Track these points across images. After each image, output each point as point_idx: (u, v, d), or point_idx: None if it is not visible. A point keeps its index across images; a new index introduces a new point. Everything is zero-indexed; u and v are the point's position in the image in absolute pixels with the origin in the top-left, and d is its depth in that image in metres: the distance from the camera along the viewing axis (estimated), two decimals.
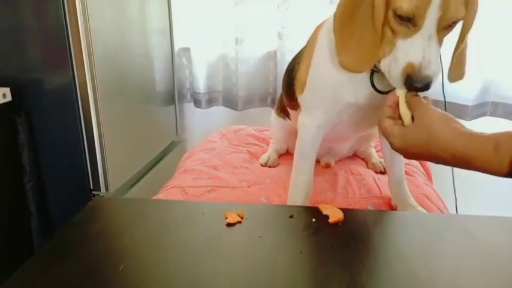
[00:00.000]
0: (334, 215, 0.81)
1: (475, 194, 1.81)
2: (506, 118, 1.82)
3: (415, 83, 0.72)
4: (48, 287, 0.60)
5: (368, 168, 1.36)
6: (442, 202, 1.13)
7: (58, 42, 1.25)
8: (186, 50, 2.30)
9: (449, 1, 0.68)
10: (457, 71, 0.83)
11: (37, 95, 1.31)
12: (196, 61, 2.28)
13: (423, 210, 1.04)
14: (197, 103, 2.33)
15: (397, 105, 0.77)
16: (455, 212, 1.16)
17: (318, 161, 1.35)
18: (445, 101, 0.93)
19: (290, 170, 1.11)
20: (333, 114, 0.98)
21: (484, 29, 1.58)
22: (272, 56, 2.24)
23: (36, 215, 1.35)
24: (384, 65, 0.78)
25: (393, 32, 0.74)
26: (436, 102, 0.77)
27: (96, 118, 1.36)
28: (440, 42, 0.73)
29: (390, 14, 0.73)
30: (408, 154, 0.73)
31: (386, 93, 0.84)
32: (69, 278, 0.62)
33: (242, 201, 1.11)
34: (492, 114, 1.87)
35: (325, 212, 0.83)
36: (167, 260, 0.67)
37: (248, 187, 1.23)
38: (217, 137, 1.72)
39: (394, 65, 0.75)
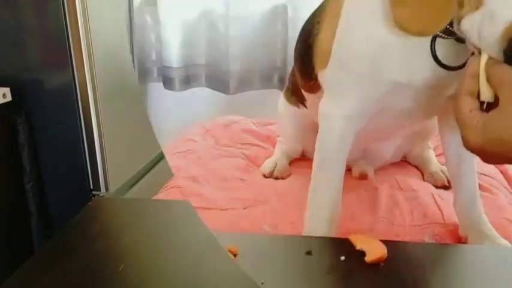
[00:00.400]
0: (373, 251, 0.71)
1: None
2: None
3: None
4: (48, 287, 0.66)
5: (424, 180, 1.21)
6: None
7: (58, 42, 1.39)
8: (152, 3, 1.98)
9: None
10: None
11: (37, 95, 1.45)
12: (166, 20, 1.93)
13: (506, 243, 0.90)
14: (168, 83, 2.03)
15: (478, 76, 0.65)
16: None
17: (349, 170, 1.21)
18: None
19: (307, 183, 0.99)
20: (373, 101, 0.87)
21: None
22: (280, 13, 1.90)
23: (36, 215, 1.50)
24: (469, 24, 0.63)
25: None
26: None
27: (96, 118, 1.47)
28: None
29: None
30: (489, 154, 0.61)
31: (456, 68, 0.73)
32: (69, 278, 0.68)
33: (235, 230, 1.01)
34: None
35: (359, 246, 0.73)
36: (167, 260, 0.71)
37: (244, 209, 1.11)
38: (198, 133, 1.58)
39: (488, 24, 0.60)
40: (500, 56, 0.60)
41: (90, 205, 0.93)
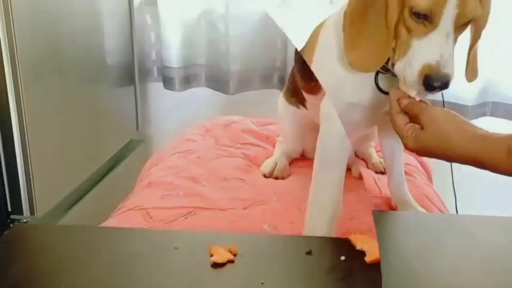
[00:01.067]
0: (374, 251, 0.72)
1: (475, 194, 2.03)
2: (506, 118, 2.04)
3: (435, 82, 0.81)
4: None
5: (368, 168, 1.44)
6: (442, 202, 1.30)
7: None
8: (152, 3, 1.96)
9: None
10: (473, 70, 0.95)
11: None
12: (166, 20, 1.91)
13: (423, 210, 1.19)
14: (168, 83, 2.01)
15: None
16: (455, 212, 1.33)
17: (348, 169, 1.23)
18: (443, 101, 1.05)
19: (307, 183, 1.00)
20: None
21: (485, 28, 1.59)
22: None
23: None
24: (398, 68, 0.87)
25: (408, 31, 0.84)
26: (434, 102, 0.92)
27: (17, 107, 1.16)
28: (455, 41, 0.84)
29: (406, 12, 0.83)
30: (421, 154, 0.89)
31: (387, 93, 0.95)
32: None
33: (235, 230, 1.00)
34: (492, 114, 2.06)
35: (359, 246, 0.74)
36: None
37: (244, 209, 1.10)
38: (198, 133, 1.55)
39: (410, 67, 0.84)
40: (420, 90, 0.84)
41: (7, 235, 0.77)
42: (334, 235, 0.95)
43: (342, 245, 0.75)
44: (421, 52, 0.82)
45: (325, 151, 0.98)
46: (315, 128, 1.03)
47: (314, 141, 0.99)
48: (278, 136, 1.40)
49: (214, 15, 1.87)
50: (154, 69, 2.04)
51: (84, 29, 1.58)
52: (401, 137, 0.87)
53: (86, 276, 0.66)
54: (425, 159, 1.53)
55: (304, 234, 0.97)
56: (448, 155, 0.81)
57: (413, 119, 0.86)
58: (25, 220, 1.24)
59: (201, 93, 2.04)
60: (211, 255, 0.71)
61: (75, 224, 1.42)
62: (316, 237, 0.88)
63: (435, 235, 0.87)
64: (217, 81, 1.95)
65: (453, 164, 0.92)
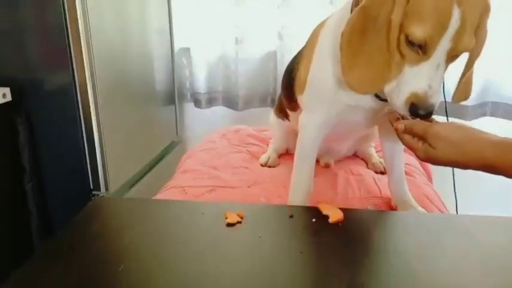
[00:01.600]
0: (334, 215, 0.70)
1: (475, 194, 1.56)
2: (506, 118, 1.57)
3: (420, 110, 0.62)
4: (48, 286, 0.51)
5: (368, 168, 1.19)
6: (442, 202, 0.99)
7: (58, 41, 1.05)
8: (186, 50, 1.98)
9: (461, 34, 0.58)
10: (462, 94, 0.73)
11: (37, 95, 1.11)
12: (196, 61, 1.93)
13: (423, 210, 0.90)
14: (197, 103, 2.02)
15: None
16: (455, 212, 1.02)
17: (317, 161, 1.17)
18: (445, 101, 0.79)
19: (290, 170, 0.97)
20: (333, 116, 0.85)
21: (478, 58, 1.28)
22: (272, 56, 1.92)
23: (36, 215, 1.15)
24: (388, 90, 0.66)
25: (401, 56, 0.63)
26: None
27: (96, 118, 1.16)
28: (445, 69, 0.64)
29: (402, 37, 0.62)
30: (433, 164, 0.65)
31: (386, 100, 0.71)
32: (69, 277, 0.53)
33: (242, 201, 0.97)
34: (492, 114, 1.60)
35: (325, 212, 0.72)
36: (167, 260, 0.57)
37: (248, 187, 1.08)
38: (217, 137, 1.53)
39: (398, 92, 0.64)
40: (405, 113, 0.65)
41: (90, 205, 0.73)
42: (308, 205, 0.92)
43: (313, 211, 0.73)
44: (411, 80, 0.62)
45: (302, 149, 0.93)
46: (295, 133, 0.98)
47: (294, 142, 0.96)
48: (271, 139, 1.38)
49: (228, 58, 1.88)
50: (188, 93, 2.04)
51: (141, 67, 1.56)
52: (413, 150, 0.66)
53: (143, 230, 0.66)
54: None
55: (288, 204, 0.94)
56: (460, 162, 0.60)
57: (419, 138, 0.66)
58: (102, 194, 1.22)
59: (219, 110, 2.03)
60: (226, 218, 0.70)
61: (135, 197, 1.40)
62: (296, 206, 0.86)
63: (435, 235, 0.67)
64: (230, 102, 1.96)
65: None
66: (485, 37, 0.64)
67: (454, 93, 0.72)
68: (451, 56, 0.62)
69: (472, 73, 0.71)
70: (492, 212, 0.85)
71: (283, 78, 1.07)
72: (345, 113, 0.82)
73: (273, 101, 1.97)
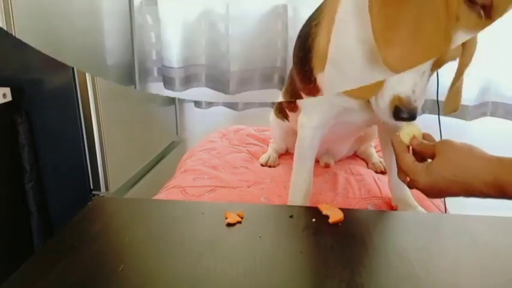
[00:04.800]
0: (334, 215, 0.70)
1: None
2: (506, 118, 1.53)
3: (403, 114, 0.61)
4: (48, 287, 0.51)
5: (368, 168, 1.17)
6: (442, 202, 0.96)
7: None
8: (152, 2, 1.43)
9: None
10: (451, 105, 0.69)
11: (37, 95, 1.10)
12: (166, 19, 1.38)
13: (423, 210, 0.90)
14: (168, 83, 1.51)
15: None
16: (455, 212, 0.96)
17: (317, 161, 1.20)
18: (437, 101, 0.78)
19: (290, 170, 0.97)
20: (331, 116, 0.85)
21: (468, 67, 1.25)
22: (281, 12, 1.36)
23: (36, 215, 1.14)
24: (371, 99, 0.65)
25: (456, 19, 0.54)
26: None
27: (96, 118, 1.15)
28: (430, 76, 0.62)
29: None
30: (435, 190, 0.60)
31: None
32: (69, 277, 0.53)
33: (242, 201, 0.97)
34: (492, 114, 1.54)
35: (325, 212, 0.72)
36: (167, 260, 0.57)
37: (248, 187, 1.07)
38: (217, 137, 1.52)
39: (382, 96, 0.62)
40: (391, 119, 0.63)
41: (90, 205, 0.73)
42: (307, 205, 0.92)
43: (313, 211, 0.72)
44: (395, 83, 0.60)
45: (301, 148, 0.93)
46: (294, 134, 0.98)
47: (294, 142, 0.96)
48: (271, 139, 1.38)
49: (214, 15, 1.37)
50: (155, 69, 1.52)
51: (84, 29, 1.21)
52: (412, 175, 0.62)
53: (143, 230, 0.65)
54: None
55: (288, 204, 0.95)
56: (465, 182, 0.55)
57: (425, 154, 0.64)
58: (102, 194, 1.21)
59: (220, 110, 1.93)
60: (226, 218, 0.69)
61: (135, 197, 1.39)
62: (296, 206, 0.86)
63: (435, 235, 0.67)
64: (217, 81, 1.45)
65: None
66: (474, 46, 0.60)
67: (444, 105, 0.69)
68: (437, 65, 0.60)
69: (462, 83, 0.67)
70: (492, 212, 0.80)
71: (295, 46, 0.84)
72: (343, 114, 0.82)
73: (281, 80, 1.44)
